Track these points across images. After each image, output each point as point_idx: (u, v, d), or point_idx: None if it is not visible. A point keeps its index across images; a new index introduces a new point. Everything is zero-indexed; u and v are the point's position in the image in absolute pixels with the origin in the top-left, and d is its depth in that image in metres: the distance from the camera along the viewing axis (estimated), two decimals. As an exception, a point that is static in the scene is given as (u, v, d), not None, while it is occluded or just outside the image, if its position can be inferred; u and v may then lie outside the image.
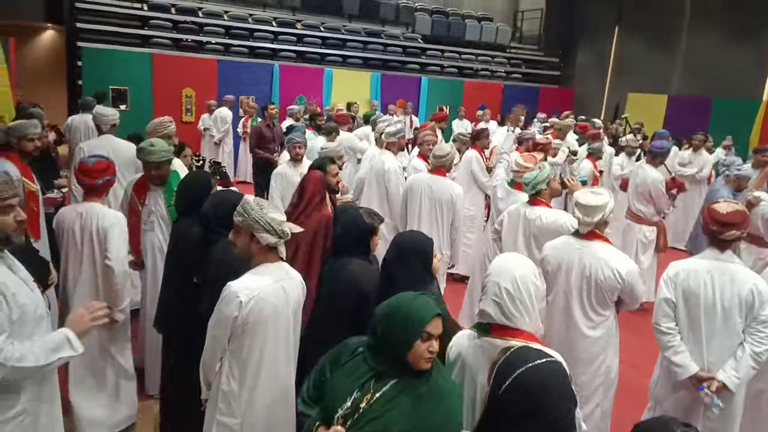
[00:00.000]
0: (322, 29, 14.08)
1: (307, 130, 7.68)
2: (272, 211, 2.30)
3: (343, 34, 14.34)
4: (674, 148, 8.84)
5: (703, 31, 14.11)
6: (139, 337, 3.90)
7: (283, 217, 2.33)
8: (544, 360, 1.62)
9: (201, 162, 5.35)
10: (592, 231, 3.04)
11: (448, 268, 5.07)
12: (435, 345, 1.75)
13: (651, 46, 15.51)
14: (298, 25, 13.89)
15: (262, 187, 7.13)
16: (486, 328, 1.98)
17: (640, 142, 8.76)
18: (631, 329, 4.54)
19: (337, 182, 4.08)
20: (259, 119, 9.55)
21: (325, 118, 8.01)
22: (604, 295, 2.99)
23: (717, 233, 2.75)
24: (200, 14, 12.70)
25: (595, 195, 3.05)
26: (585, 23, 17.43)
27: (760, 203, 4.93)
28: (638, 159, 7.56)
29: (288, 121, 8.88)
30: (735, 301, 2.68)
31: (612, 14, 16.54)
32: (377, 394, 1.73)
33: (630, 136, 8.80)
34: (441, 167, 4.74)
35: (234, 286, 2.23)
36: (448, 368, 2.05)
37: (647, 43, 15.62)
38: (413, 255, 2.41)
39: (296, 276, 2.45)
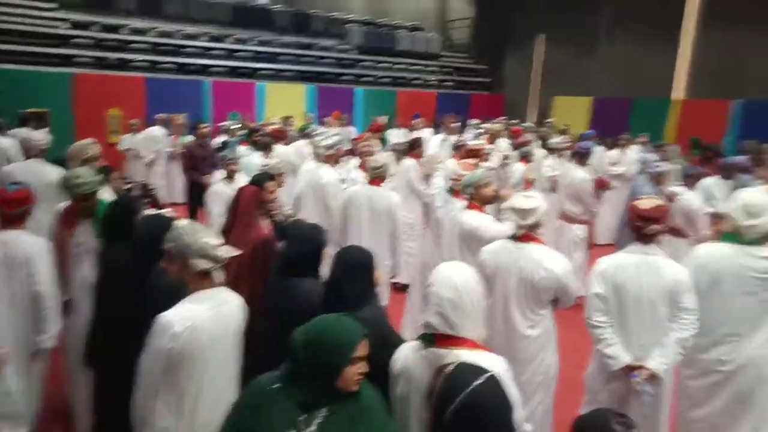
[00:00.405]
0: (253, 43, 13.92)
1: (241, 146, 7.56)
2: (206, 235, 2.24)
3: (275, 47, 14.24)
4: (600, 149, 9.27)
5: (621, 36, 14.95)
6: (65, 377, 3.67)
7: (218, 241, 2.28)
8: (482, 380, 1.63)
9: (129, 185, 5.15)
10: (526, 233, 3.15)
11: (390, 278, 5.10)
12: (363, 366, 1.73)
13: (574, 51, 16.27)
14: (229, 40, 13.68)
15: (197, 209, 6.94)
16: (430, 338, 2.00)
17: (569, 143, 9.14)
18: (566, 326, 4.71)
19: (273, 200, 4.00)
20: (187, 138, 9.25)
21: (260, 133, 7.91)
22: (541, 295, 3.10)
23: (641, 228, 2.90)
24: (124, 31, 12.28)
25: (527, 199, 3.17)
26: (512, 31, 18.07)
27: (678, 198, 5.26)
28: (566, 161, 7.88)
29: (221, 138, 8.71)
30: (660, 291, 2.82)
31: (536, 22, 17.24)
32: (312, 428, 1.68)
33: (557, 139, 9.16)
34: (377, 178, 4.78)
35: (166, 316, 2.14)
36: (391, 382, 2.07)
37: (570, 48, 16.38)
38: (359, 270, 2.42)
39: (235, 301, 2.38)
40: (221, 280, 2.31)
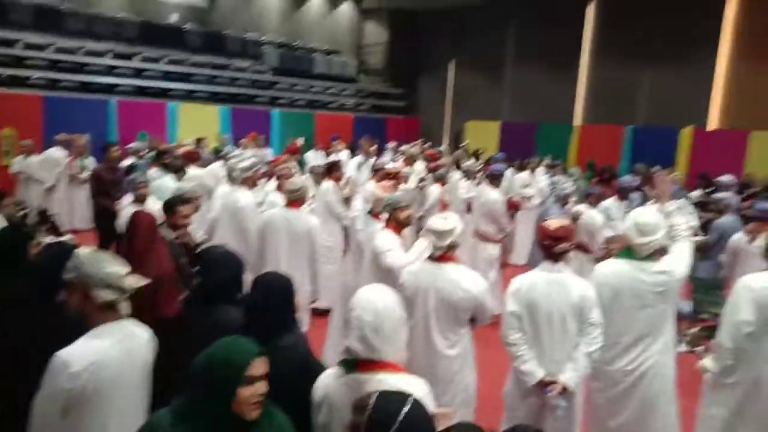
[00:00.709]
0: (164, 62, 13.44)
1: (150, 169, 7.21)
2: (110, 264, 2.10)
3: (187, 67, 13.82)
4: (510, 171, 9.72)
5: (526, 65, 15.91)
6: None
7: (124, 270, 2.14)
8: (406, 411, 1.51)
9: (24, 211, 4.76)
10: (444, 254, 3.22)
11: (311, 303, 5.02)
12: (261, 387, 1.65)
13: (482, 78, 17.10)
14: (137, 58, 13.13)
15: (107, 236, 6.50)
16: (352, 364, 1.97)
17: (481, 166, 9.51)
18: (484, 344, 4.84)
19: (185, 225, 3.83)
20: (88, 159, 8.80)
21: (170, 155, 7.58)
22: (459, 314, 3.17)
23: (550, 247, 3.04)
24: (19, 46, 11.44)
25: (444, 220, 3.24)
26: (425, 56, 18.71)
27: (582, 216, 5.61)
28: (479, 183, 8.19)
29: (129, 160, 8.27)
30: (569, 308, 2.96)
31: (448, 49, 17.98)
32: None
33: (471, 162, 9.52)
34: (296, 201, 4.72)
35: (63, 355, 1.96)
36: (314, 411, 2.01)
37: (480, 75, 17.20)
38: (278, 296, 2.36)
39: (143, 334, 2.23)
40: (127, 312, 2.16)
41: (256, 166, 5.55)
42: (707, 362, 3.16)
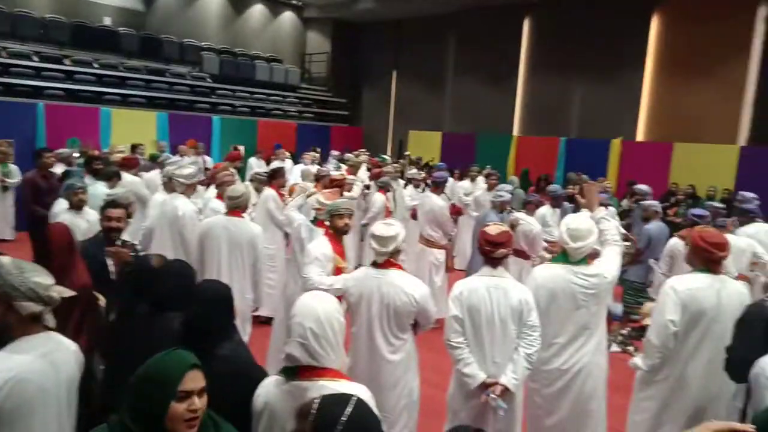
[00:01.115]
0: (96, 66, 12.91)
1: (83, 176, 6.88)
2: (35, 274, 1.98)
3: (122, 71, 13.33)
4: (450, 179, 9.90)
5: (465, 77, 16.32)
6: None
7: (51, 280, 2.02)
8: (349, 412, 1.48)
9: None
10: (387, 260, 3.24)
11: (253, 311, 4.92)
12: (197, 402, 1.58)
13: (424, 89, 17.40)
14: (67, 61, 12.54)
15: (43, 245, 6.10)
16: (293, 371, 1.95)
17: (423, 174, 9.65)
18: (428, 348, 4.89)
19: (117, 228, 3.66)
20: (11, 166, 8.42)
21: (102, 161, 7.25)
22: (403, 319, 3.19)
23: (490, 252, 3.11)
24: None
25: (387, 227, 3.28)
26: (368, 66, 18.86)
27: (520, 222, 5.78)
28: (423, 190, 8.30)
29: (59, 167, 7.85)
30: (509, 311, 3.04)
31: (390, 59, 18.20)
32: None
33: (414, 170, 9.64)
34: (237, 208, 4.62)
35: None
36: (254, 419, 1.97)
37: (421, 86, 17.49)
38: (218, 305, 2.30)
39: (70, 346, 2.11)
40: (53, 325, 2.04)
41: (195, 174, 5.40)
42: (637, 360, 3.31)
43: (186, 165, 6.00)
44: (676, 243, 5.49)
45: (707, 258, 3.15)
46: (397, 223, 3.37)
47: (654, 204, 6.56)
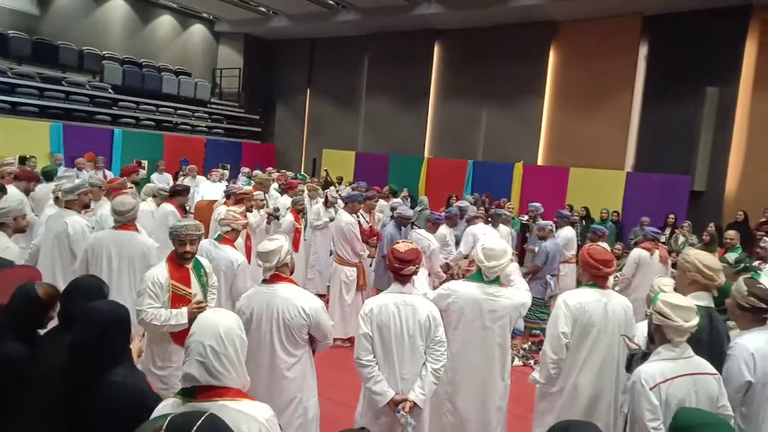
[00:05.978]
0: (-21, 70, 11.87)
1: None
2: None
3: (11, 77, 12.31)
4: (381, 200, 9.98)
5: (378, 99, 16.60)
6: None
7: None
8: (198, 424, 1.46)
9: None
10: (275, 274, 3.21)
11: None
12: None
13: (338, 108, 17.51)
14: (-55, 63, 11.43)
15: None
16: (191, 392, 1.86)
17: (339, 193, 9.66)
18: (340, 367, 4.86)
19: None
20: None
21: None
22: (295, 333, 3.13)
23: (399, 269, 3.16)
24: None
25: (270, 241, 3.27)
26: (281, 83, 18.70)
27: (420, 240, 6.00)
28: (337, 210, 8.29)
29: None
30: (417, 327, 3.09)
31: (304, 77, 18.17)
32: None
33: (332, 189, 9.62)
34: (127, 221, 4.38)
35: None
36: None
37: (335, 105, 17.59)
38: (115, 327, 2.18)
39: None
40: None
41: (80, 188, 5.05)
42: (535, 374, 3.49)
43: (71, 178, 5.63)
44: (640, 253, 6.36)
45: (594, 274, 3.39)
46: (281, 237, 3.35)
47: (548, 223, 7.00)
